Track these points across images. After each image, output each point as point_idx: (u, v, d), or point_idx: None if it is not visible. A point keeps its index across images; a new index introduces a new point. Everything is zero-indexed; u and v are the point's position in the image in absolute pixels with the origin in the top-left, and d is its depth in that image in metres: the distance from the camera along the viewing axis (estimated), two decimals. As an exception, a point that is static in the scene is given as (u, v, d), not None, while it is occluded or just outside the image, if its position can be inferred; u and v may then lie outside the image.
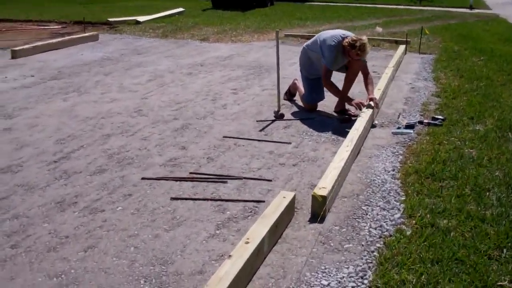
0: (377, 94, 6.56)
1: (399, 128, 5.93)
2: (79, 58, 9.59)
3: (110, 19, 15.27)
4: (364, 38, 5.98)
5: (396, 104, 6.89)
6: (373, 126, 5.98)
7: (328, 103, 6.49)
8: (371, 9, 22.28)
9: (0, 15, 16.76)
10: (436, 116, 6.21)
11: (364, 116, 5.75)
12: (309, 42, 6.49)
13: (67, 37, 11.45)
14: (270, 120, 6.13)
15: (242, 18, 17.32)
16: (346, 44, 5.96)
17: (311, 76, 6.50)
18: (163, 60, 9.45)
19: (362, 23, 16.84)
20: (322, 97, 6.57)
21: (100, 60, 9.38)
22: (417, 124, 6.08)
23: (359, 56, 6.03)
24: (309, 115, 6.34)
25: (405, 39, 11.80)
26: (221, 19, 16.99)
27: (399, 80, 8.41)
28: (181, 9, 18.22)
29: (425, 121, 6.09)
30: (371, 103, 6.01)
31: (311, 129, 5.83)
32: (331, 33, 6.22)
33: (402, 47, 10.78)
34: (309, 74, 6.49)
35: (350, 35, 6.18)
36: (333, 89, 6.10)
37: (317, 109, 6.58)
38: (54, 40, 10.82)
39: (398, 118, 6.13)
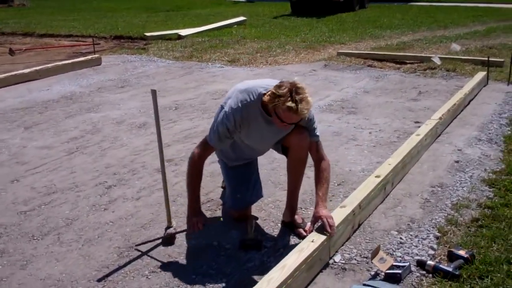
0: (365, 189, 3.63)
1: (374, 278, 3.00)
2: (36, 95, 7.40)
3: (147, 34, 13.05)
4: (300, 84, 3.20)
5: (400, 208, 3.95)
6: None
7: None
8: (483, 10, 18.20)
9: (55, 28, 15.33)
10: (456, 252, 3.13)
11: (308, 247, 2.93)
12: (225, 97, 3.67)
13: (60, 63, 9.32)
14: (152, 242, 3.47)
15: (309, 28, 14.47)
16: (268, 100, 3.19)
17: (232, 163, 3.66)
18: (132, 100, 7.02)
19: (457, 31, 13.21)
20: (253, 198, 3.71)
21: (55, 101, 7.25)
22: (411, 270, 3.08)
23: (291, 119, 3.20)
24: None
25: (496, 60, 8.39)
26: (284, 29, 14.23)
27: (444, 141, 5.36)
28: (242, 18, 15.64)
29: (430, 262, 3.08)
30: (327, 228, 3.23)
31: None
32: (248, 86, 3.50)
33: (480, 76, 7.39)
34: (228, 159, 3.68)
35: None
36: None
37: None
38: (38, 68, 8.77)
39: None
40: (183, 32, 13.38)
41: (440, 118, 5.57)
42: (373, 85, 7.86)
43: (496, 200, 3.98)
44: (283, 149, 3.70)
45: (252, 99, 3.34)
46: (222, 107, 3.45)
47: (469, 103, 6.70)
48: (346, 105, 6.78)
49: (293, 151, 3.58)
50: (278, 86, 3.21)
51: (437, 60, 8.75)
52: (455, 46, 9.47)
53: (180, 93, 7.68)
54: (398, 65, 9.33)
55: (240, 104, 3.33)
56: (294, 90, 3.16)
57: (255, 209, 3.92)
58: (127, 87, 8.15)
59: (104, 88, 8.03)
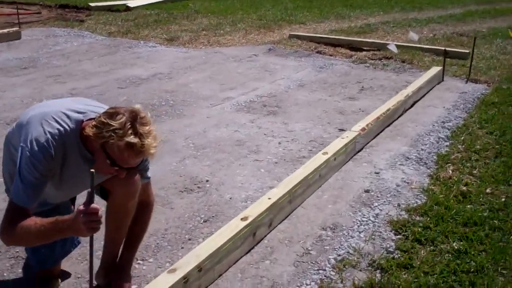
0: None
1: None
2: None
3: (91, 4, 11.82)
4: (143, 113, 2.27)
5: (268, 263, 3.18)
6: None
7: None
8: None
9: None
10: None
11: None
12: (14, 125, 2.55)
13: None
14: None
15: (274, 3, 13.22)
16: (94, 132, 2.25)
17: (35, 209, 2.54)
18: (24, 86, 6.06)
19: (431, 13, 12.06)
20: (65, 249, 2.65)
21: None
22: None
23: (129, 161, 2.29)
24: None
25: (459, 51, 7.37)
26: (247, 3, 13.12)
27: (363, 159, 4.47)
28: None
29: None
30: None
31: None
32: (56, 109, 2.47)
33: (433, 71, 6.32)
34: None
35: (103, 108, 2.45)
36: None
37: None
38: None
39: None
40: (133, 3, 12.15)
41: (364, 129, 4.52)
42: (313, 76, 6.78)
43: (396, 257, 2.95)
44: (102, 191, 2.65)
45: (67, 128, 2.30)
46: (22, 149, 2.32)
47: (413, 105, 5.60)
48: (270, 103, 5.70)
49: (118, 199, 2.55)
50: (110, 114, 2.18)
51: (393, 48, 7.67)
52: (413, 35, 8.35)
53: (86, 78, 6.58)
54: (353, 52, 8.25)
55: (50, 136, 2.28)
56: (136, 121, 2.18)
57: (75, 261, 2.88)
58: (31, 68, 7.04)
59: (3, 69, 6.86)
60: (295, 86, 6.40)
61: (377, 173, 4.13)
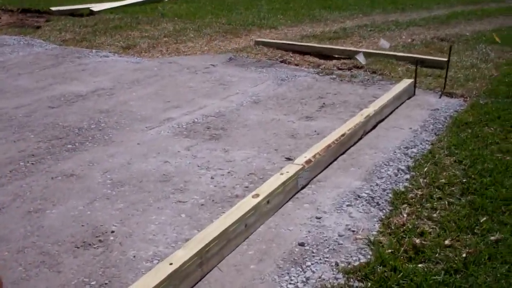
0: None
1: None
2: None
3: (53, 8, 11.08)
4: None
5: None
6: None
7: None
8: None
9: None
10: None
11: None
12: None
13: None
14: None
15: (247, 5, 12.52)
16: None
17: None
18: None
19: (414, 15, 11.38)
20: None
21: None
22: None
23: None
24: None
25: (436, 60, 6.69)
26: (219, 6, 12.48)
27: (304, 199, 3.89)
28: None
29: None
30: None
31: None
32: None
33: (403, 84, 5.62)
34: None
35: None
36: None
37: None
38: None
39: None
40: (97, 6, 11.41)
41: (309, 162, 3.81)
42: (271, 91, 6.06)
43: None
44: None
45: None
46: None
47: (376, 125, 4.89)
48: (215, 124, 4.99)
49: None
50: None
51: (361, 59, 6.97)
52: (384, 43, 7.65)
53: (17, 96, 5.87)
54: (322, 61, 7.55)
55: None
56: None
57: None
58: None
59: None
60: (248, 103, 5.69)
61: (319, 218, 3.43)
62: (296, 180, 3.72)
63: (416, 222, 3.34)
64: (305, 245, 3.16)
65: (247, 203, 3.31)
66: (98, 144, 4.59)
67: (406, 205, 3.58)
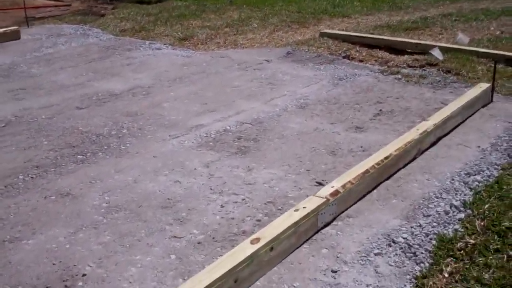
0: None
1: None
2: None
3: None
4: None
5: None
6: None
7: None
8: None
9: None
10: None
11: None
12: None
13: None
14: None
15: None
16: None
17: None
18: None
19: (507, 3, 10.00)
20: None
21: None
22: None
23: None
24: None
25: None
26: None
27: (325, 244, 3.20)
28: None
29: None
30: None
31: None
32: None
33: (477, 90, 4.70)
34: None
35: None
36: None
37: None
38: None
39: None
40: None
41: (336, 194, 3.08)
42: (324, 93, 5.34)
43: None
44: None
45: None
46: None
47: (436, 141, 4.04)
48: (248, 134, 4.37)
49: None
50: None
51: (437, 54, 6.04)
52: (462, 37, 6.61)
53: (50, 93, 5.53)
54: (392, 56, 6.65)
55: None
56: None
57: None
58: (0, 78, 6.01)
59: None
60: (294, 107, 4.98)
61: (335, 271, 2.71)
62: (316, 218, 2.99)
63: (459, 286, 2.51)
64: (307, 312, 2.43)
65: (242, 250, 2.62)
66: (111, 155, 4.07)
67: (451, 258, 2.75)
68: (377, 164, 3.50)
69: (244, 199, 3.45)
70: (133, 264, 2.84)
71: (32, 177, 3.83)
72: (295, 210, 2.99)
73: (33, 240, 3.08)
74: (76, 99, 5.38)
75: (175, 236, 3.09)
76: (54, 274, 2.80)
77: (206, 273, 2.51)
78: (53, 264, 2.89)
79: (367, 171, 3.42)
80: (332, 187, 3.23)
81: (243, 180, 3.70)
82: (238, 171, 3.82)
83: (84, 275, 2.78)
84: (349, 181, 3.29)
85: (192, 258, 2.88)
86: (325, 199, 3.09)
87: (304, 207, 3.01)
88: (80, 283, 2.72)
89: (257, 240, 2.73)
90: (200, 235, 3.09)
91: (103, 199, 3.52)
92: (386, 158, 3.59)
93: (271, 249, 2.74)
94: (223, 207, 3.37)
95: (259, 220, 3.21)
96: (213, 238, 3.05)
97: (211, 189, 3.59)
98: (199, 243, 3.01)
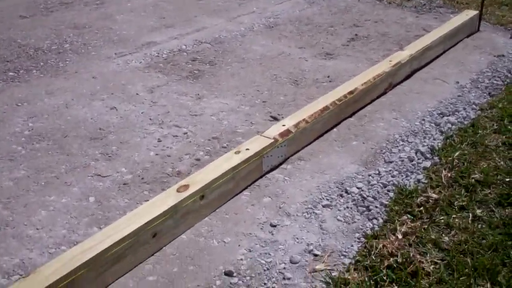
0: None
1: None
2: None
3: None
4: None
5: None
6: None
7: None
8: None
9: None
10: None
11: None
12: None
13: None
14: None
15: None
16: None
17: None
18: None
19: None
20: None
21: None
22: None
23: None
24: None
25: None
26: None
27: (269, 191, 2.79)
28: None
29: None
30: None
31: None
32: None
33: (463, 17, 4.19)
34: None
35: None
36: None
37: None
38: None
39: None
40: None
41: (286, 134, 2.66)
42: (297, 11, 4.85)
43: None
44: None
45: None
46: None
47: (412, 73, 3.59)
48: (204, 56, 3.94)
49: None
50: None
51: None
52: None
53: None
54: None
55: None
56: None
57: None
58: None
59: None
60: (261, 26, 4.47)
61: (274, 226, 2.31)
62: (260, 161, 2.57)
63: (412, 253, 2.14)
64: (233, 275, 2.07)
65: (165, 199, 2.21)
66: (46, 74, 3.60)
67: (408, 216, 2.38)
68: (339, 100, 3.07)
69: (186, 133, 3.02)
70: (45, 207, 2.44)
71: (-48, 96, 3.33)
72: (235, 152, 2.57)
73: None
74: (22, 5, 4.78)
75: (98, 175, 2.67)
76: (-51, 215, 2.37)
77: (120, 225, 2.10)
78: (-47, 202, 2.46)
79: (326, 108, 2.98)
80: (283, 125, 2.80)
81: (189, 110, 3.25)
82: (185, 99, 3.37)
83: (-15, 217, 2.36)
84: (304, 119, 2.86)
85: (114, 202, 2.47)
86: (272, 140, 2.66)
87: (247, 149, 2.60)
88: (-21, 226, 2.30)
89: (186, 187, 2.32)
90: (127, 174, 2.68)
91: (26, 125, 3.07)
92: (350, 93, 3.15)
93: (202, 197, 2.34)
94: (160, 141, 2.94)
95: (198, 159, 2.79)
96: (142, 179, 2.64)
97: (150, 119, 3.15)
98: (124, 184, 2.60)
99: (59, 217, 2.40)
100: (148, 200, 2.31)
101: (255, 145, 2.64)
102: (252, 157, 2.57)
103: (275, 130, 2.76)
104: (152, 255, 2.20)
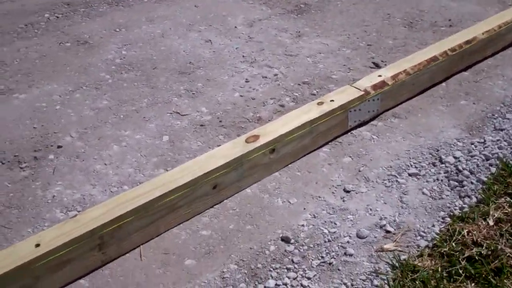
0: None
1: None
2: None
3: None
4: None
5: None
6: None
7: None
8: None
9: None
10: None
11: None
12: None
13: None
14: None
15: None
16: None
17: None
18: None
19: None
20: None
21: None
22: None
23: None
24: None
25: None
26: None
27: (352, 149, 2.52)
28: None
29: None
30: None
31: None
32: None
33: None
34: None
35: None
36: None
37: None
38: None
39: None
40: None
41: (381, 86, 2.45)
42: None
43: None
44: None
45: None
46: None
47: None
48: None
49: None
50: None
51: None
52: None
53: None
54: None
55: None
56: None
57: None
58: None
59: None
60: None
61: (348, 192, 2.11)
62: (345, 115, 2.33)
63: (501, 245, 1.84)
64: (290, 242, 1.91)
65: (232, 149, 2.07)
66: (150, 0, 3.49)
67: (506, 198, 2.04)
68: (452, 50, 2.66)
69: (276, 75, 2.81)
70: (118, 142, 2.40)
71: (57, 17, 3.38)
72: (318, 103, 2.33)
73: (26, 95, 2.71)
74: None
75: (178, 112, 2.57)
76: (29, 141, 2.43)
77: (177, 173, 1.99)
78: (34, 127, 2.51)
79: (434, 59, 2.60)
80: (379, 76, 2.48)
81: (285, 48, 3.02)
82: (284, 36, 3.13)
83: (59, 147, 2.39)
84: (405, 71, 2.51)
85: (186, 144, 2.37)
86: (363, 93, 2.38)
87: (331, 100, 2.34)
88: (51, 156, 2.34)
89: (255, 138, 2.14)
90: (207, 115, 2.55)
91: (119, 53, 3.03)
92: (467, 42, 2.72)
93: (272, 151, 2.14)
94: (247, 81, 2.76)
95: (282, 106, 2.58)
96: (220, 121, 2.50)
97: (243, 56, 2.97)
98: (201, 125, 2.48)
99: (129, 154, 2.33)
100: (220, 146, 2.16)
101: (342, 96, 2.37)
102: (336, 110, 2.31)
103: (368, 80, 2.46)
104: (212, 207, 2.06)
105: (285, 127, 2.21)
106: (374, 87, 2.43)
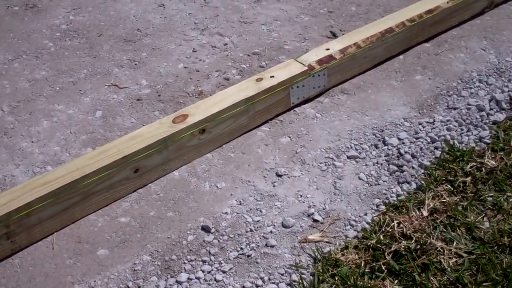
0: None
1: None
2: None
3: None
4: None
5: None
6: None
7: None
8: None
9: None
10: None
11: None
12: None
13: None
14: None
15: None
16: None
17: None
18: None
19: None
20: None
21: None
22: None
23: None
24: None
25: None
26: None
27: (292, 129, 2.39)
28: None
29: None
30: None
31: None
32: None
33: None
34: None
35: None
36: None
37: None
38: None
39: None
40: None
41: (327, 60, 2.33)
42: None
43: None
44: None
45: None
46: None
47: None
48: None
49: None
50: None
51: None
52: None
53: None
54: None
55: None
56: None
57: None
58: None
59: None
60: None
61: (280, 175, 2.00)
62: (287, 92, 2.19)
63: (433, 238, 1.73)
64: (210, 231, 1.81)
65: (155, 130, 1.95)
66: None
67: (446, 187, 1.92)
68: (411, 20, 2.49)
69: (226, 44, 2.65)
70: (49, 117, 2.28)
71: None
72: (257, 80, 2.18)
73: None
74: None
75: (116, 85, 2.43)
76: None
77: (95, 156, 1.87)
78: None
79: (389, 30, 2.44)
80: (327, 49, 2.32)
81: (241, 15, 2.85)
82: (241, 1, 2.94)
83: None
84: (356, 44, 2.35)
85: (119, 121, 2.25)
86: (306, 68, 2.22)
87: (271, 76, 2.19)
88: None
89: (183, 117, 2.02)
90: (146, 88, 2.42)
91: (67, 18, 2.89)
92: (429, 12, 2.54)
93: (202, 131, 2.02)
94: (195, 51, 2.62)
95: (227, 79, 2.45)
96: (159, 96, 2.37)
97: (195, 23, 2.82)
98: (138, 99, 2.35)
99: (58, 131, 2.22)
100: (147, 125, 2.03)
101: (283, 72, 2.22)
102: (276, 87, 2.17)
103: (314, 54, 2.31)
104: (135, 191, 1.95)
105: (218, 105, 2.08)
106: (320, 61, 2.27)
